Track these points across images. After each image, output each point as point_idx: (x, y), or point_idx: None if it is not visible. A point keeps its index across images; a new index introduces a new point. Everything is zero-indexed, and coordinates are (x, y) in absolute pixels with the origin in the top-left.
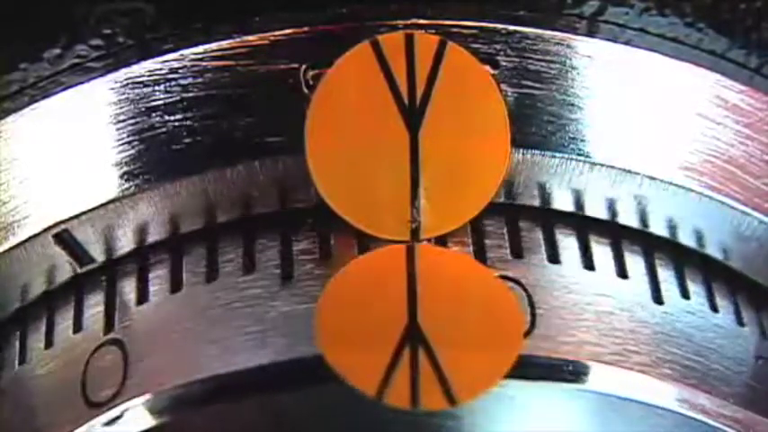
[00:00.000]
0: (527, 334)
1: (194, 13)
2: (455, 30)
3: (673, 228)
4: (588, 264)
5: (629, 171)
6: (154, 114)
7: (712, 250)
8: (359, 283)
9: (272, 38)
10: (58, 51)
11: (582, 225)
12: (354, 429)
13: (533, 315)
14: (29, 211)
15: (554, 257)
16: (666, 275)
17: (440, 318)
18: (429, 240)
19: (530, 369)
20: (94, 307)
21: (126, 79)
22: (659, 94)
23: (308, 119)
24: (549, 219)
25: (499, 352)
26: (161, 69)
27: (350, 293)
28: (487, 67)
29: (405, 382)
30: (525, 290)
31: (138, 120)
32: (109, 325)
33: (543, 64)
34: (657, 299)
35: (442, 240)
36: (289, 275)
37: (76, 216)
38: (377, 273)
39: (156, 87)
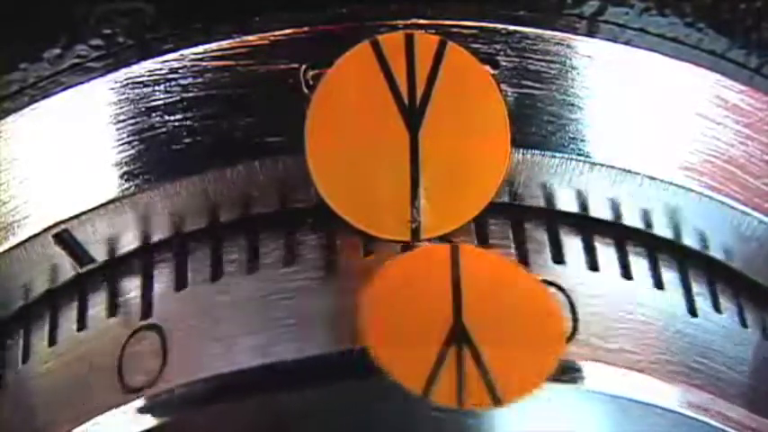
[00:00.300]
0: (569, 339)
1: (194, 13)
2: (455, 30)
3: (672, 228)
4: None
5: (629, 171)
6: (154, 114)
7: (712, 251)
8: (403, 281)
9: (272, 38)
10: (58, 51)
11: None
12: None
13: (575, 320)
14: (29, 211)
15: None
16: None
17: (484, 318)
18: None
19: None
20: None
21: (126, 79)
22: (659, 94)
23: (308, 119)
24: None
25: (543, 354)
26: (161, 69)
27: (394, 290)
28: (487, 67)
29: (451, 381)
30: (566, 295)
31: (138, 120)
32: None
33: (543, 64)
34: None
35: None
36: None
37: (76, 216)
38: (420, 271)
39: (156, 87)
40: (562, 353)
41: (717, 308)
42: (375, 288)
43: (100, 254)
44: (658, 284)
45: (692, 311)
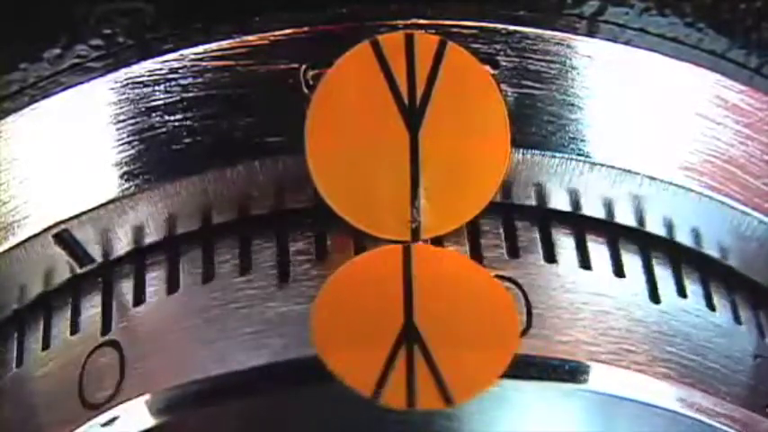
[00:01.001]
0: (523, 333)
1: (194, 13)
2: (455, 30)
3: (672, 227)
4: (585, 263)
5: (629, 171)
6: (154, 114)
7: (712, 250)
8: (355, 284)
9: (272, 38)
10: (58, 51)
11: (579, 225)
12: (351, 430)
13: (529, 314)
14: (29, 211)
15: (551, 257)
16: (664, 275)
17: (436, 317)
18: (426, 240)
19: (527, 369)
20: (92, 308)
21: (126, 79)
22: (659, 94)
23: (308, 119)
24: (546, 218)
25: (496, 351)
26: (161, 69)
27: (346, 294)
28: (487, 67)
29: (401, 383)
30: (521, 289)
31: (138, 120)
32: (106, 326)
33: (543, 64)
34: (654, 298)
35: (438, 240)
36: (285, 276)
37: (76, 216)
38: (373, 273)
39: (156, 87)
40: (515, 349)
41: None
42: (326, 293)
43: (100, 254)
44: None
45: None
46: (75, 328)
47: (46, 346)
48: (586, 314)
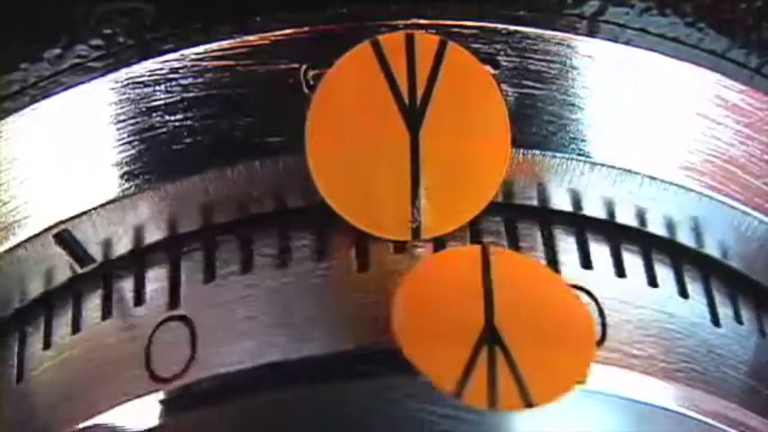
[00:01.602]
0: (599, 344)
1: (194, 13)
2: (455, 30)
3: (672, 227)
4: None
5: (629, 171)
6: (154, 114)
7: (712, 250)
8: (434, 280)
9: (272, 38)
10: (58, 51)
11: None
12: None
13: (604, 326)
14: (29, 211)
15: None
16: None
17: (515, 321)
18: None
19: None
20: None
21: (126, 79)
22: (659, 94)
23: (308, 119)
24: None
25: (575, 358)
26: (161, 69)
27: (425, 290)
28: (487, 67)
29: (483, 382)
30: (596, 301)
31: (138, 120)
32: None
33: (543, 64)
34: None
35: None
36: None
37: (76, 216)
38: (452, 271)
39: (157, 87)
40: (594, 358)
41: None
42: (406, 288)
43: (100, 254)
44: (653, 283)
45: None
46: (76, 328)
47: (47, 343)
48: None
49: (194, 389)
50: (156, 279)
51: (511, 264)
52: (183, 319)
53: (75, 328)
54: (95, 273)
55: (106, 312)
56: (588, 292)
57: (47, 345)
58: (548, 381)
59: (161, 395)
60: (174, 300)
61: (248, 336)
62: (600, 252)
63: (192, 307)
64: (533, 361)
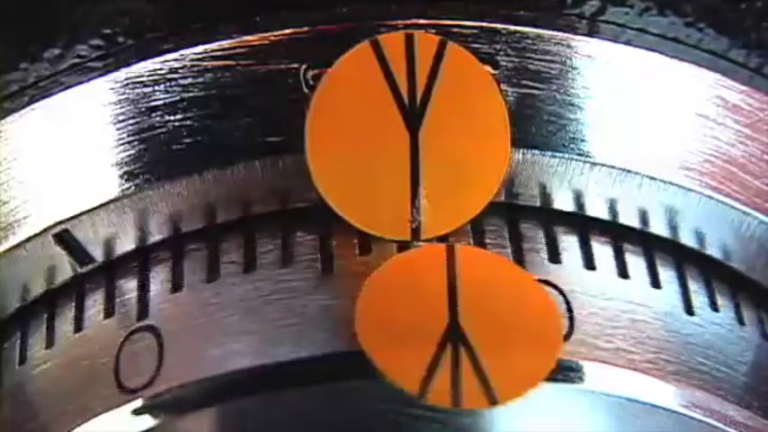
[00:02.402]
0: (566, 338)
1: (194, 13)
2: (455, 30)
3: (672, 228)
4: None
5: (629, 171)
6: (154, 114)
7: (712, 250)
8: (398, 281)
9: (272, 38)
10: (58, 51)
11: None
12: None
13: (571, 320)
14: (29, 211)
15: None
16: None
17: (480, 318)
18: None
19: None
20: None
21: (126, 79)
22: (659, 94)
23: (308, 119)
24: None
25: (540, 354)
26: (161, 69)
27: (389, 290)
28: (487, 67)
29: (446, 381)
30: (563, 294)
31: (138, 120)
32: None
33: (543, 64)
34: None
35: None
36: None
37: (76, 216)
38: (415, 271)
39: (157, 87)
40: (559, 352)
41: (714, 307)
42: (370, 289)
43: (100, 254)
44: (655, 284)
45: (690, 311)
46: (78, 327)
47: (49, 343)
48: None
49: (162, 399)
50: (124, 290)
51: (476, 261)
52: (150, 329)
53: (78, 327)
54: (97, 272)
55: (77, 326)
56: (557, 287)
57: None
58: (512, 378)
59: (132, 406)
60: (142, 311)
61: (216, 343)
62: (603, 252)
63: (159, 317)
64: (498, 359)
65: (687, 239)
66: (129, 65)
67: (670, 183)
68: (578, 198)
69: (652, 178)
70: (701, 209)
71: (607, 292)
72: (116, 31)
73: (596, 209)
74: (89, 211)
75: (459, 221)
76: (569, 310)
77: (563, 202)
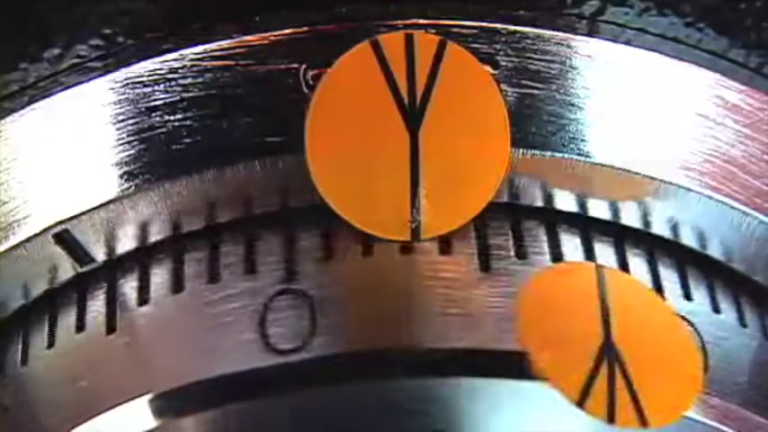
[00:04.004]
0: (705, 370)
1: (194, 13)
2: (455, 30)
3: (673, 228)
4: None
5: (629, 171)
6: (154, 114)
7: (713, 250)
8: (555, 288)
9: (272, 38)
10: (58, 51)
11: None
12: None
13: (705, 355)
14: (29, 211)
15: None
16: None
17: (631, 342)
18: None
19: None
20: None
21: (126, 79)
22: (659, 94)
23: (308, 119)
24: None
25: (684, 384)
26: (161, 69)
27: (548, 296)
28: (487, 67)
29: (604, 396)
30: (695, 328)
31: (138, 120)
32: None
33: (543, 64)
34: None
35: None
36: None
37: (76, 216)
38: (570, 283)
39: (156, 87)
40: (701, 386)
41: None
42: (530, 292)
43: (100, 254)
44: (657, 284)
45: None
46: (80, 326)
47: (51, 343)
48: None
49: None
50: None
51: (622, 283)
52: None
53: (80, 327)
54: (97, 272)
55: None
56: (688, 321)
57: (50, 344)
58: (660, 405)
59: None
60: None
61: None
62: (603, 252)
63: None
64: (647, 384)
65: (687, 239)
66: (128, 65)
67: (670, 183)
68: (578, 198)
69: (652, 178)
70: (701, 209)
71: None
72: (116, 31)
73: (596, 208)
74: (89, 211)
75: (459, 221)
76: (702, 343)
77: (562, 202)
